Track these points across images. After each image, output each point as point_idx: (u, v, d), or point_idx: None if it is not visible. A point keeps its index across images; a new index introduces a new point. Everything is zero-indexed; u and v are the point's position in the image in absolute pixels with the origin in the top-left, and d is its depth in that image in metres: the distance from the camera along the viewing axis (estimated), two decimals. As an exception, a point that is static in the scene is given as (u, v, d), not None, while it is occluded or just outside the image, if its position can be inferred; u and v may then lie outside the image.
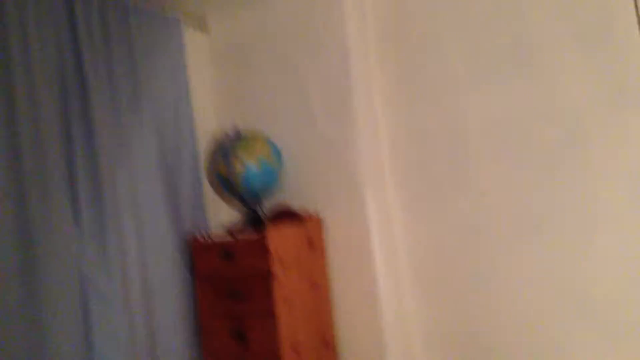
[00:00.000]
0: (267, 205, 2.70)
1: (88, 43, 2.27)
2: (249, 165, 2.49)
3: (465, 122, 2.48)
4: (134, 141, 2.42)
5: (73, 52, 2.24)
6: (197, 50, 2.91)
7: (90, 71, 2.26)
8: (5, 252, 1.90)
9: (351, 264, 2.54)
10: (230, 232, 2.47)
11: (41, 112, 2.07)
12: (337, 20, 2.56)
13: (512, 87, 2.38)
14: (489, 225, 2.44)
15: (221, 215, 2.88)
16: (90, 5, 2.31)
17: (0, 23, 1.98)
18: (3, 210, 1.91)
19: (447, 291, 2.54)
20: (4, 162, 1.95)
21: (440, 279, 2.56)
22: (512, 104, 2.38)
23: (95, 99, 2.25)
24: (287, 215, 2.61)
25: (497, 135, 2.42)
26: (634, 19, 2.16)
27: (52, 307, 2.01)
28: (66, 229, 2.10)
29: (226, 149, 2.56)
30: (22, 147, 1.99)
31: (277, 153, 2.60)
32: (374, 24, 2.68)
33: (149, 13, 2.59)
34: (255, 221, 2.62)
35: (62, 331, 2.02)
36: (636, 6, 2.16)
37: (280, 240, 2.35)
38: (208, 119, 2.92)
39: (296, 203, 2.66)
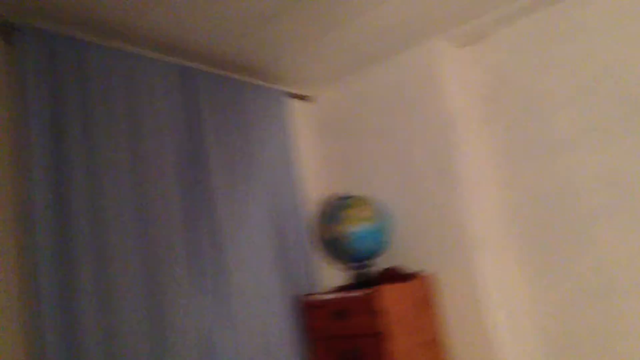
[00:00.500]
0: (376, 266, 2.73)
1: (205, 116, 2.47)
2: (355, 229, 2.55)
3: (577, 180, 2.44)
4: (248, 206, 2.55)
5: (193, 124, 2.44)
6: (303, 119, 3.10)
7: (211, 144, 2.44)
8: (136, 313, 2.02)
9: (467, 322, 2.48)
10: (340, 292, 2.51)
11: (167, 182, 2.25)
12: (439, 86, 2.65)
13: (623, 144, 2.33)
14: (613, 282, 2.32)
15: (330, 277, 2.94)
16: (209, 82, 2.54)
17: (131, 109, 2.21)
18: (133, 274, 2.05)
19: (574, 350, 2.41)
20: (135, 231, 2.10)
21: (566, 336, 2.43)
22: (624, 161, 2.32)
23: (214, 168, 2.43)
24: (396, 275, 2.62)
25: (611, 192, 2.35)
26: None
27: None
28: (191, 294, 2.22)
29: (333, 213, 2.64)
30: (149, 215, 2.16)
31: (384, 216, 2.65)
32: (477, 87, 2.74)
33: (260, 87, 2.80)
34: (364, 282, 2.64)
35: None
36: None
37: (391, 299, 2.35)
38: (314, 184, 3.04)
39: (405, 263, 2.67)
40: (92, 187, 2.01)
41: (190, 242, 2.29)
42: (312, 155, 3.11)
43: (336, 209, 2.65)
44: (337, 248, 2.62)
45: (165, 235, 2.19)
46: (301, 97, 3.08)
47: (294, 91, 3.05)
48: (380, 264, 2.73)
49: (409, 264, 2.66)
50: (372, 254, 2.60)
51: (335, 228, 2.60)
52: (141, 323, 2.03)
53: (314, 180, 3.07)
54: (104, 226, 2.00)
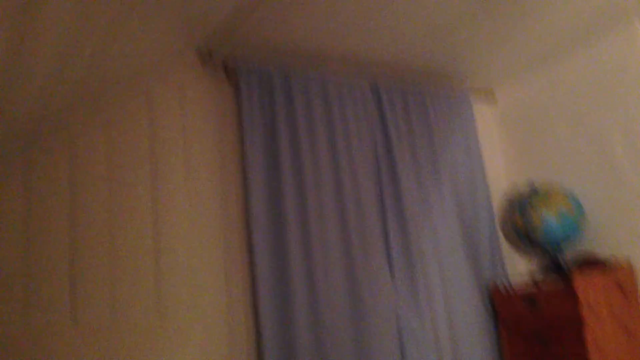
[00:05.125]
0: (569, 255, 2.72)
1: (394, 124, 2.70)
2: (548, 217, 2.57)
3: None
4: (434, 202, 2.72)
5: (382, 132, 2.68)
6: (486, 118, 3.17)
7: (397, 148, 2.66)
8: (339, 302, 2.31)
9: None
10: (534, 282, 2.55)
11: (362, 186, 2.53)
12: (638, 71, 2.55)
13: None
14: None
15: (519, 265, 2.97)
16: (396, 94, 2.77)
17: (329, 127, 2.52)
18: (335, 265, 2.35)
19: None
20: (336, 229, 2.40)
21: None
22: None
23: (402, 170, 2.64)
24: (591, 263, 2.58)
25: None
26: None
27: (376, 344, 2.33)
28: (383, 278, 2.46)
29: (523, 204, 2.69)
30: (349, 217, 2.44)
31: (577, 204, 2.62)
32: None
33: (442, 93, 2.95)
34: (556, 270, 2.65)
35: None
36: None
37: (589, 287, 2.32)
38: (499, 179, 3.10)
39: (601, 251, 2.62)
40: (298, 190, 2.36)
41: (384, 237, 2.53)
42: (498, 148, 3.17)
43: (526, 197, 2.69)
44: (528, 237, 2.66)
45: (362, 232, 2.46)
46: (485, 94, 3.16)
47: (477, 89, 3.13)
48: (575, 252, 2.71)
49: (606, 252, 2.60)
50: (563, 242, 2.60)
51: (526, 217, 2.64)
52: (343, 305, 2.31)
53: (501, 171, 3.13)
54: (309, 225, 2.33)
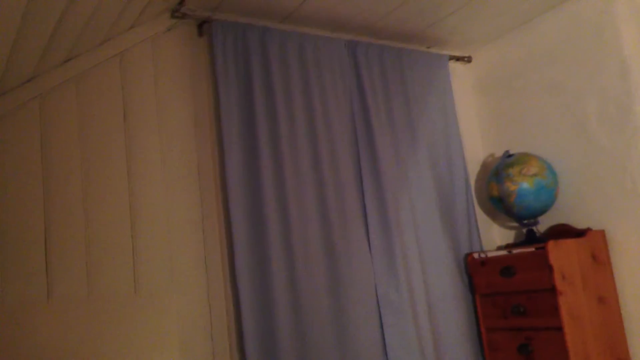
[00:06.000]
0: (544, 223, 2.74)
1: (370, 84, 2.63)
2: (522, 184, 2.57)
3: None
4: (411, 169, 2.69)
5: (359, 92, 2.62)
6: (464, 80, 3.14)
7: (373, 107, 2.60)
8: (317, 270, 2.28)
9: (642, 278, 2.42)
10: (507, 248, 2.56)
11: (337, 147, 2.47)
12: (614, 31, 2.53)
13: None
14: None
15: (494, 236, 2.99)
16: (372, 52, 2.70)
17: (305, 84, 2.45)
18: (314, 235, 2.31)
19: None
20: (314, 199, 2.35)
21: None
22: None
23: (378, 133, 2.58)
24: (565, 232, 2.61)
25: None
26: None
27: (354, 315, 2.32)
28: (361, 249, 2.43)
29: (498, 171, 2.68)
30: (326, 184, 2.39)
31: (551, 171, 2.63)
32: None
33: (419, 52, 2.91)
34: (531, 239, 2.67)
35: (362, 336, 2.32)
36: None
37: (562, 255, 2.36)
38: (475, 145, 3.09)
39: (575, 219, 2.64)
40: (274, 151, 2.29)
41: (360, 203, 2.49)
42: (474, 115, 3.14)
43: (502, 166, 2.69)
44: (503, 206, 2.66)
45: (338, 197, 2.42)
46: (461, 59, 3.11)
47: (453, 53, 3.09)
48: (548, 221, 2.73)
49: (578, 221, 2.63)
50: (539, 211, 2.61)
51: (501, 186, 2.64)
52: (321, 276, 2.28)
53: (477, 139, 3.11)
54: (286, 191, 2.27)
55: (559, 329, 2.28)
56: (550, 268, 2.31)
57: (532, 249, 2.41)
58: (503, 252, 2.55)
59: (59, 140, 2.00)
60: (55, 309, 1.88)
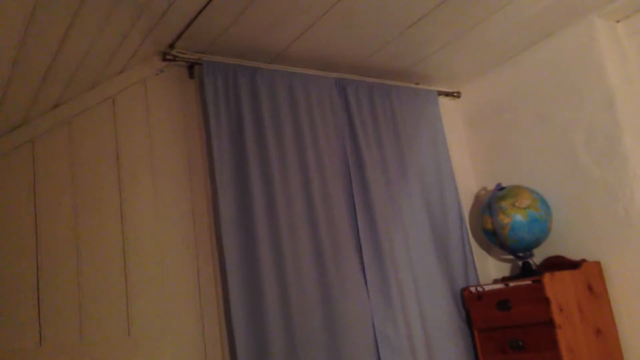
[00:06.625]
0: (539, 255, 2.73)
1: (360, 121, 2.65)
2: (515, 216, 2.57)
3: None
4: (404, 204, 2.68)
5: (350, 130, 2.63)
6: (451, 114, 3.17)
7: (364, 145, 2.61)
8: (313, 308, 2.25)
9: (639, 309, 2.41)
10: (503, 282, 2.55)
11: (329, 183, 2.47)
12: (598, 63, 2.57)
13: None
14: None
15: (490, 269, 2.98)
16: (361, 90, 2.73)
17: (296, 122, 2.46)
18: (309, 275, 2.29)
19: None
20: (308, 238, 2.34)
21: None
22: None
23: (370, 169, 2.58)
24: (560, 264, 2.60)
25: None
26: None
27: (351, 352, 2.27)
28: (357, 286, 2.40)
29: (491, 204, 2.69)
30: (319, 222, 2.37)
31: (544, 203, 2.64)
32: (638, 59, 2.63)
33: (408, 89, 2.94)
34: (527, 272, 2.65)
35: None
36: None
37: (558, 287, 2.34)
38: (468, 178, 3.10)
39: (569, 250, 2.63)
40: (267, 190, 2.29)
41: (354, 240, 2.48)
42: (466, 149, 3.16)
43: (494, 199, 2.69)
44: (497, 239, 2.66)
45: (332, 234, 2.40)
46: (450, 94, 3.15)
47: (442, 89, 3.13)
48: (543, 253, 2.72)
49: (573, 252, 2.62)
50: (533, 244, 2.61)
51: (494, 219, 2.64)
52: (316, 314, 2.25)
53: (468, 173, 3.12)
54: (279, 229, 2.26)
55: (559, 363, 2.25)
56: (547, 301, 2.30)
57: (528, 282, 2.40)
58: (499, 286, 2.53)
59: (51, 185, 2.00)
60: (46, 356, 1.84)
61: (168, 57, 2.27)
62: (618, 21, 2.67)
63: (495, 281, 2.89)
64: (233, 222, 2.19)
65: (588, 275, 2.47)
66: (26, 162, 1.97)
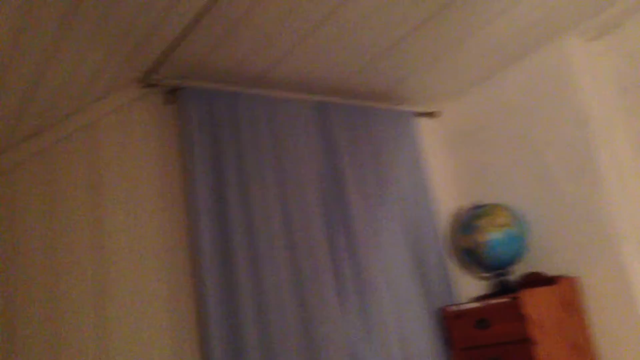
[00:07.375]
0: (516, 274, 2.76)
1: (339, 145, 2.69)
2: (491, 234, 2.61)
3: None
4: (382, 226, 2.70)
5: (329, 153, 2.67)
6: (432, 134, 3.22)
7: (343, 169, 2.65)
8: (291, 334, 2.26)
9: (617, 324, 2.41)
10: (481, 300, 2.57)
11: (309, 207, 2.50)
12: (573, 82, 2.63)
13: None
14: None
15: (468, 288, 2.99)
16: (342, 112, 2.77)
17: (275, 147, 2.50)
18: (287, 299, 2.30)
19: None
20: (287, 263, 2.36)
21: None
22: None
23: (349, 192, 2.62)
24: (538, 280, 2.63)
25: None
26: None
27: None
28: (335, 308, 2.41)
29: (468, 223, 2.72)
30: (298, 246, 2.41)
31: (520, 220, 2.68)
32: (614, 79, 2.66)
33: (388, 110, 2.98)
34: (504, 289, 2.68)
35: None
36: None
37: (535, 304, 2.36)
38: (447, 197, 3.13)
39: (547, 267, 2.66)
40: (246, 217, 2.31)
41: (332, 259, 2.50)
42: (443, 169, 3.20)
43: (471, 218, 2.73)
44: (474, 257, 2.69)
45: (310, 254, 2.43)
46: (429, 114, 3.20)
47: (420, 109, 3.18)
48: (520, 270, 2.75)
49: (549, 269, 2.66)
50: (510, 261, 2.64)
51: (471, 237, 2.67)
52: (294, 338, 2.26)
53: (447, 192, 3.15)
54: (258, 255, 2.28)
55: (536, 380, 2.26)
56: (524, 318, 2.32)
57: (506, 300, 2.42)
58: (478, 304, 2.55)
59: (25, 217, 1.98)
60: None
61: (148, 83, 2.30)
62: (593, 39, 2.73)
63: (475, 300, 2.91)
64: (211, 250, 2.20)
65: (565, 290, 2.50)
66: (2, 193, 1.96)
